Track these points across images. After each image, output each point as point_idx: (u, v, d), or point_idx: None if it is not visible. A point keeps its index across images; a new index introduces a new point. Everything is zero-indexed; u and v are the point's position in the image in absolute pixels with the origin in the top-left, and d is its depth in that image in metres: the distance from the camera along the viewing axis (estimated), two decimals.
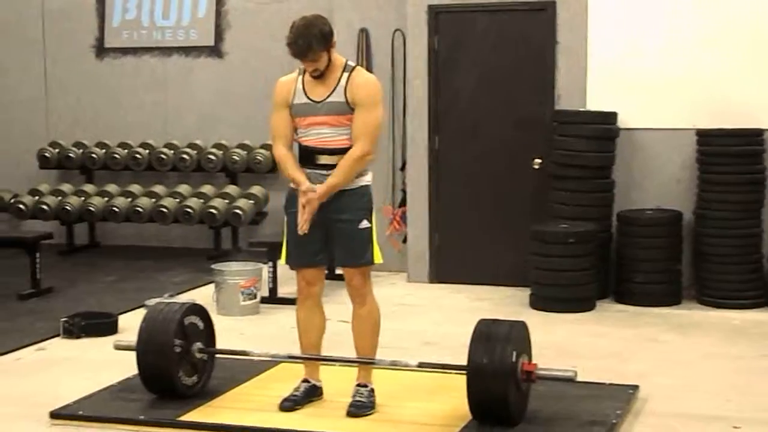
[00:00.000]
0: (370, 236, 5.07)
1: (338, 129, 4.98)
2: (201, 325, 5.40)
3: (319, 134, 5.01)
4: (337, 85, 4.96)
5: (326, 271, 5.42)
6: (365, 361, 5.18)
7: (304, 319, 5.24)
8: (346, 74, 4.98)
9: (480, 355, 4.75)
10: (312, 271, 5.16)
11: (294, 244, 5.12)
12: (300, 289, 5.21)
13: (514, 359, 4.76)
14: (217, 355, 5.53)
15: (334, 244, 5.08)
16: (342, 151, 4.98)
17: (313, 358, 5.26)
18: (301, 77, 5.06)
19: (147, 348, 5.20)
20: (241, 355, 5.51)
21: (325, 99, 4.96)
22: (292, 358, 5.36)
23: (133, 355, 5.26)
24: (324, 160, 5.01)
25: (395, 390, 5.40)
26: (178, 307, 5.35)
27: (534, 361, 5.01)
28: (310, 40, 4.86)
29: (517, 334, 4.87)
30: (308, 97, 5.00)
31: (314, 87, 5.00)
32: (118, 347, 5.47)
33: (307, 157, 5.06)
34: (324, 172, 5.00)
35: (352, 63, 5.07)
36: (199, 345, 5.33)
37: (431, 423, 5.02)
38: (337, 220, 5.02)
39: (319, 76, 4.96)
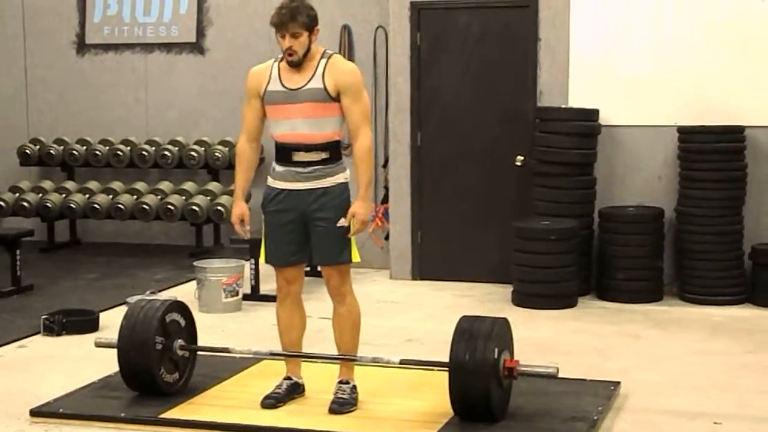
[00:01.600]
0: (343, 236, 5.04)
1: (314, 121, 4.91)
2: (182, 322, 5.38)
3: (293, 128, 4.94)
4: (315, 71, 4.91)
5: (306, 268, 5.41)
6: (347, 358, 5.17)
7: (284, 318, 5.22)
8: (324, 60, 4.93)
9: (462, 351, 4.75)
10: (291, 270, 5.14)
11: (273, 243, 5.10)
12: (279, 288, 5.19)
13: (496, 356, 4.76)
14: (199, 352, 5.51)
15: (312, 242, 5.06)
16: (318, 147, 4.93)
17: (295, 355, 5.26)
18: (276, 64, 5.01)
19: (128, 346, 5.17)
20: (222, 352, 5.49)
21: (302, 86, 4.90)
22: (273, 355, 5.35)
23: (114, 352, 5.24)
24: (299, 157, 4.96)
25: (377, 387, 5.40)
26: (159, 304, 5.33)
27: (516, 357, 5.01)
28: (297, 10, 4.86)
29: (498, 331, 4.87)
30: (283, 85, 4.94)
31: (290, 75, 4.94)
32: (98, 344, 5.44)
33: (283, 153, 5.01)
34: (300, 169, 4.95)
35: (330, 51, 5.02)
36: (180, 342, 5.31)
37: (413, 419, 5.02)
38: (315, 219, 4.99)
39: (296, 64, 4.90)
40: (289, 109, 4.93)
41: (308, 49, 4.91)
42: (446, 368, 4.81)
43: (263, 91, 4.99)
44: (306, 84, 4.91)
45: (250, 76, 5.08)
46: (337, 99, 4.91)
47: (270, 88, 4.97)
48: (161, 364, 5.21)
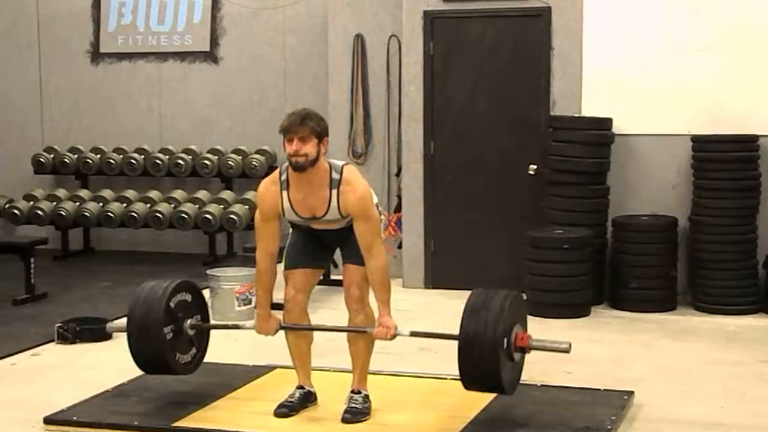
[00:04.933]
0: None
1: (339, 225, 5.01)
2: (189, 298, 5.31)
3: (321, 228, 5.07)
4: (329, 205, 4.90)
5: (320, 277, 5.42)
6: (361, 368, 5.16)
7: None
8: (334, 192, 4.89)
9: (473, 325, 4.69)
10: (302, 276, 5.14)
11: (294, 247, 5.16)
12: (287, 297, 5.19)
13: (507, 330, 4.72)
14: (211, 361, 5.51)
15: (344, 247, 5.12)
16: (342, 229, 5.03)
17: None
18: (285, 193, 4.94)
19: (138, 339, 5.11)
20: (233, 328, 5.49)
21: (321, 216, 4.94)
22: (285, 328, 5.19)
23: (127, 358, 5.24)
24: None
25: (390, 396, 5.39)
26: (162, 291, 5.19)
27: (528, 366, 5.00)
28: (308, 116, 4.84)
29: (511, 305, 4.81)
30: (300, 216, 4.97)
31: (303, 203, 4.93)
32: (110, 329, 5.42)
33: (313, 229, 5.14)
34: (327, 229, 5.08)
35: (336, 173, 4.89)
36: (190, 321, 5.26)
37: (426, 429, 5.01)
38: (344, 237, 5.06)
39: (302, 168, 4.81)
40: (313, 223, 5.04)
41: (316, 158, 4.84)
42: (456, 340, 4.75)
43: (280, 215, 5.00)
44: (324, 215, 4.93)
45: (260, 200, 5.01)
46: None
47: (287, 217, 5.01)
48: (174, 350, 5.17)
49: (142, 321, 5.12)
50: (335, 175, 4.90)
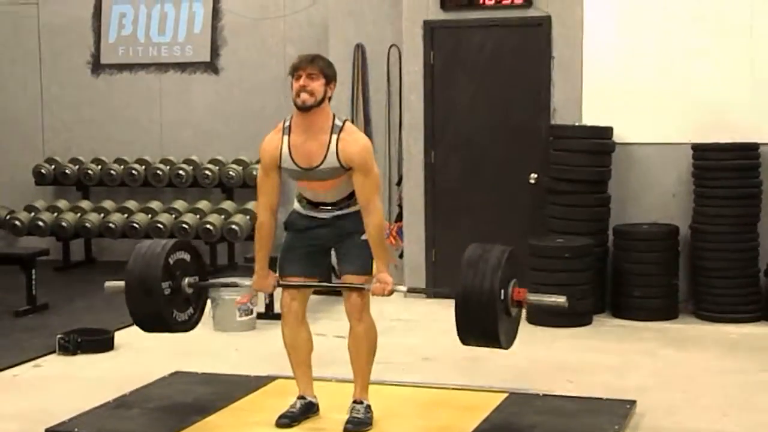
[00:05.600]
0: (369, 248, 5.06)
1: (335, 189, 4.99)
2: (188, 257, 5.30)
3: (316, 195, 5.03)
4: (327, 151, 4.88)
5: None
6: (362, 378, 5.15)
7: (289, 336, 5.19)
8: (334, 137, 4.90)
9: (469, 280, 4.67)
10: (298, 283, 5.14)
11: (290, 251, 5.13)
12: (283, 305, 5.18)
13: (503, 285, 4.70)
14: (216, 372, 5.51)
15: (340, 255, 5.10)
16: (341, 201, 5.01)
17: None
18: (286, 137, 4.96)
19: (136, 294, 5.09)
20: (231, 286, 5.47)
21: (317, 166, 4.91)
22: (283, 286, 5.15)
23: (129, 372, 5.25)
24: (324, 207, 5.05)
25: (392, 406, 5.38)
26: (161, 248, 5.20)
27: (531, 376, 4.99)
28: (319, 57, 4.95)
29: (508, 259, 4.78)
30: (297, 165, 4.94)
31: (301, 149, 4.91)
32: (108, 289, 5.37)
33: (307, 201, 5.09)
34: (324, 215, 5.04)
35: (339, 121, 4.94)
36: (188, 280, 5.25)
37: None
38: (342, 235, 5.04)
39: (307, 108, 4.85)
40: (309, 183, 5.00)
41: (322, 100, 4.88)
42: (453, 297, 4.74)
43: (279, 166, 4.99)
44: (321, 164, 4.90)
45: (262, 151, 5.03)
46: (351, 168, 4.94)
47: (284, 166, 4.97)
48: (172, 306, 5.16)
49: (140, 275, 5.10)
50: (338, 122, 4.93)
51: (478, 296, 4.64)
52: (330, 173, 4.92)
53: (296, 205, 5.16)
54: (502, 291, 4.70)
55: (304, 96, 4.85)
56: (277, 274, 5.16)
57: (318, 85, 4.86)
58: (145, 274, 5.10)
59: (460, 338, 4.79)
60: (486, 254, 4.77)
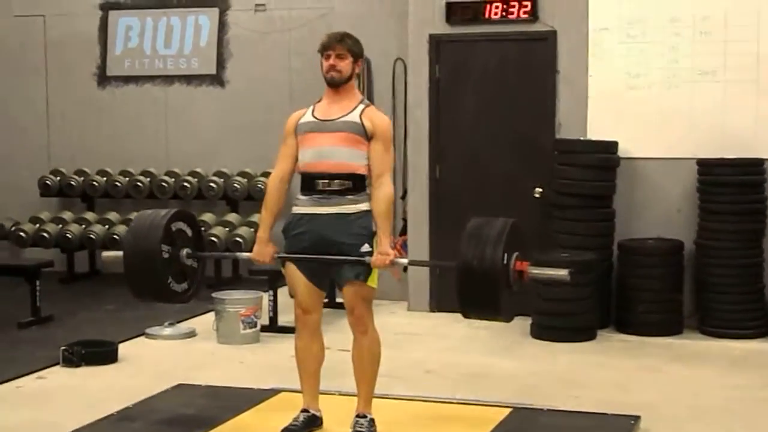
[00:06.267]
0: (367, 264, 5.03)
1: (343, 150, 4.97)
2: (189, 231, 5.26)
3: (320, 155, 4.98)
4: (353, 109, 5.02)
5: (325, 300, 5.39)
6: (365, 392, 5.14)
7: (301, 349, 5.18)
8: (362, 105, 5.05)
9: (471, 253, 4.63)
10: (307, 298, 5.12)
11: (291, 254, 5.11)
12: (297, 318, 5.17)
13: (505, 258, 4.65)
14: (220, 385, 5.50)
15: (335, 265, 5.04)
16: (342, 176, 4.97)
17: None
18: (312, 107, 5.12)
19: (134, 254, 5.04)
20: (229, 258, 5.41)
21: (338, 118, 5.01)
22: (283, 258, 5.11)
23: (133, 385, 5.24)
24: (323, 185, 4.98)
25: (396, 420, 5.36)
26: (163, 214, 5.17)
27: (535, 390, 4.98)
28: (347, 35, 5.11)
29: (510, 233, 4.72)
30: (315, 117, 5.05)
31: (326, 108, 5.06)
32: (106, 258, 5.37)
33: (307, 182, 5.06)
34: (321, 197, 4.99)
35: (366, 102, 5.14)
36: (187, 250, 5.20)
37: None
38: (337, 242, 5.00)
39: (337, 83, 5.01)
40: (319, 137, 5.01)
41: (350, 77, 5.05)
42: (454, 269, 4.70)
43: (297, 127, 5.08)
44: (342, 116, 5.01)
45: (287, 121, 5.17)
46: (369, 139, 4.98)
47: (302, 121, 5.08)
48: (169, 272, 5.10)
49: (141, 234, 5.06)
50: (366, 101, 5.13)
51: (480, 263, 4.59)
52: (345, 126, 4.98)
53: (294, 206, 5.10)
54: (505, 257, 4.63)
55: (333, 75, 5.03)
56: (276, 249, 5.12)
57: (345, 64, 5.04)
58: (146, 234, 5.05)
59: (461, 310, 4.75)
60: (489, 224, 4.75)
